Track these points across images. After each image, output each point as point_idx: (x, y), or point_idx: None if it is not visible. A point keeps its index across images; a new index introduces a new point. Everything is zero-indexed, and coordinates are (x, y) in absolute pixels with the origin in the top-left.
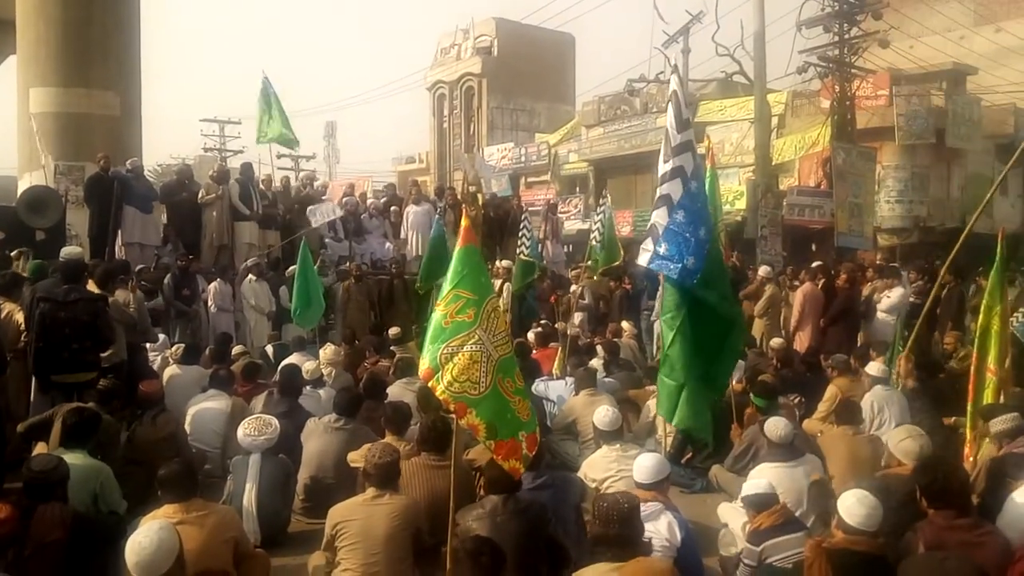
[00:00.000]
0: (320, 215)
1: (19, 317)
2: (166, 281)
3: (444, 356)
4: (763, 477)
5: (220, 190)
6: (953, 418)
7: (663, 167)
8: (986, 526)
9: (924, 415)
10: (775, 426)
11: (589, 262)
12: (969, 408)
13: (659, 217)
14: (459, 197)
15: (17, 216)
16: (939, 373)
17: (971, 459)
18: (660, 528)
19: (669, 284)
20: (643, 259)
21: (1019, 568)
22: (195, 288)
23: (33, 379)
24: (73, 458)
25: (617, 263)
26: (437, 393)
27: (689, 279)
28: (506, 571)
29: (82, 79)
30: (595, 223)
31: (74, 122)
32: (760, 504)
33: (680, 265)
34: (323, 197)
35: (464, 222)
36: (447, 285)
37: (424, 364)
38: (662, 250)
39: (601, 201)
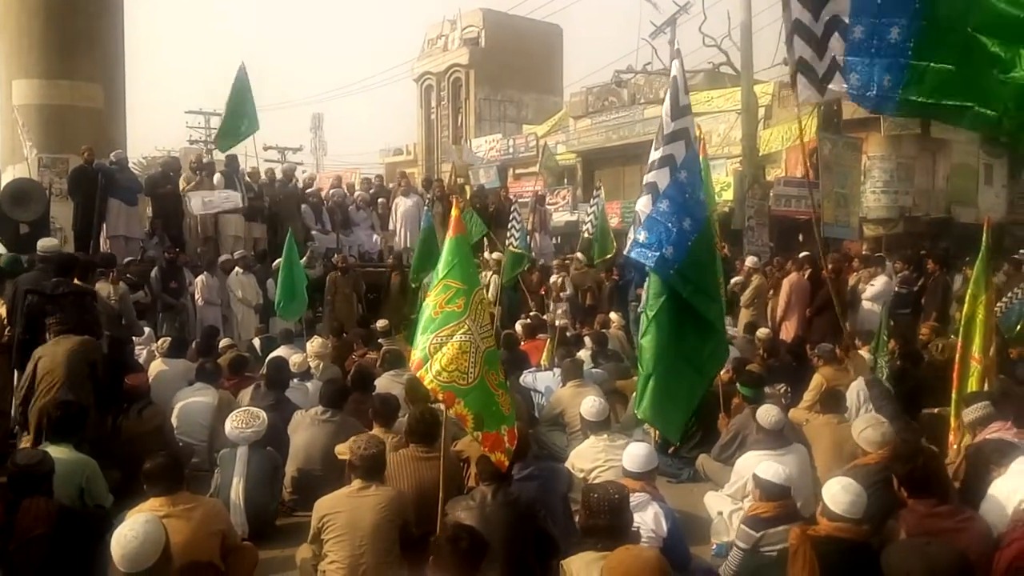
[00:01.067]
0: (212, 204)
1: (2, 311)
2: (153, 274)
3: (433, 345)
4: (750, 465)
5: (199, 177)
6: (937, 409)
7: (653, 155)
8: (966, 512)
9: (886, 402)
10: (767, 413)
11: (579, 254)
12: (954, 396)
13: (643, 205)
14: (446, 189)
15: (0, 209)
16: (921, 362)
17: (955, 447)
18: (647, 519)
19: (652, 273)
20: (627, 247)
21: (1008, 553)
22: (182, 281)
23: (16, 373)
24: (58, 452)
25: (610, 255)
26: (425, 382)
27: (667, 269)
28: (493, 561)
29: (65, 71)
30: (588, 215)
31: (58, 114)
32: (771, 493)
33: (658, 254)
34: (309, 190)
35: (453, 212)
36: (438, 275)
37: (415, 355)
38: (642, 238)
39: (595, 193)
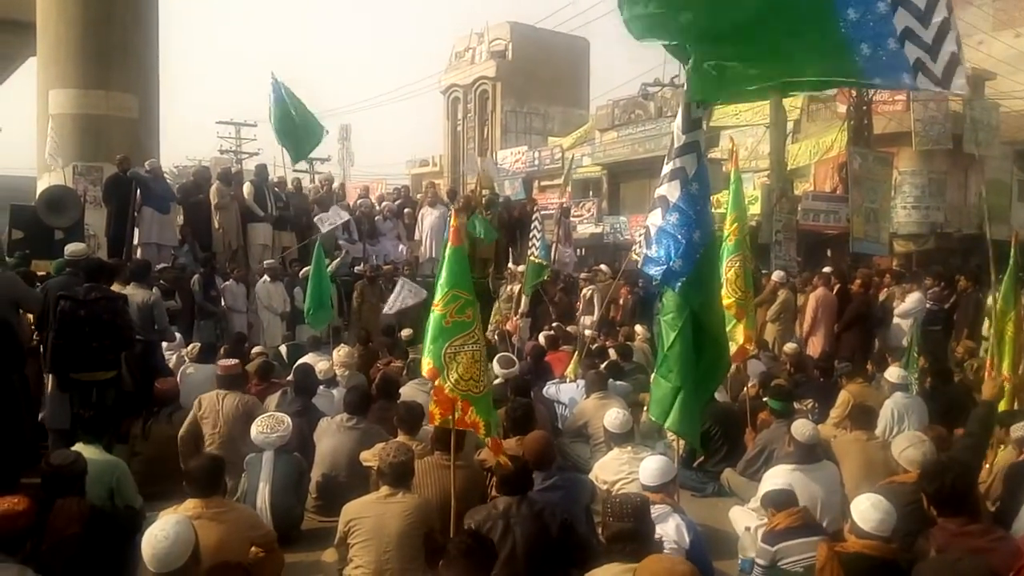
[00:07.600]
0: (328, 221)
1: (30, 316)
2: (195, 281)
3: (448, 355)
4: (779, 478)
5: (232, 189)
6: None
7: (664, 168)
8: (997, 531)
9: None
10: (803, 426)
11: (603, 266)
12: None
13: (653, 219)
14: (471, 200)
15: (36, 215)
16: (951, 380)
17: (987, 465)
18: (668, 530)
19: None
20: (641, 261)
21: None
22: (219, 288)
23: (50, 377)
24: (90, 453)
25: None
26: (446, 391)
27: (673, 281)
28: (517, 571)
29: (101, 81)
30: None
31: (93, 124)
32: (778, 502)
33: (666, 267)
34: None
35: (453, 222)
36: (445, 285)
37: (428, 363)
38: (652, 252)
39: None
